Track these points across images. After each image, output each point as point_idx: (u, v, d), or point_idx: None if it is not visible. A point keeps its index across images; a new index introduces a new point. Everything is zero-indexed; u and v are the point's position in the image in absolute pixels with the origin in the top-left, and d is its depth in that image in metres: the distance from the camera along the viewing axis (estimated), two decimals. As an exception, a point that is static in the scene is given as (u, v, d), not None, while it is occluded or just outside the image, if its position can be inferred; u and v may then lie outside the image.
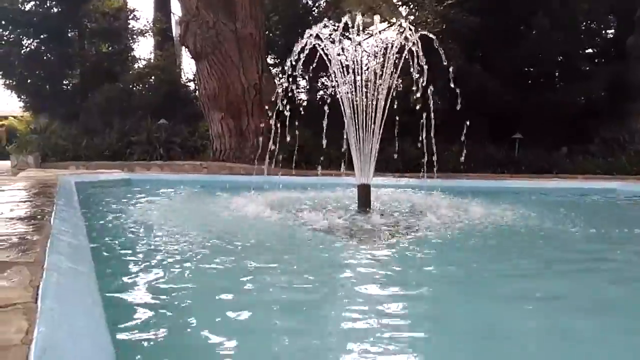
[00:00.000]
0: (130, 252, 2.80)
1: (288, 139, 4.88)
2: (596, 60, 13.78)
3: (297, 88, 14.17)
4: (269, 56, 13.59)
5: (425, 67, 4.32)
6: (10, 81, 14.07)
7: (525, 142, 11.04)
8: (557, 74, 13.37)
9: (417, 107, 4.41)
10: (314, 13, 14.36)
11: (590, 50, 13.94)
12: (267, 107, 8.74)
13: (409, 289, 2.28)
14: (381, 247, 3.05)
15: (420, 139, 4.56)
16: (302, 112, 5.25)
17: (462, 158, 5.44)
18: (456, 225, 3.72)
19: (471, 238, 3.37)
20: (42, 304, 1.20)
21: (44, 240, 1.91)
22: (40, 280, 1.37)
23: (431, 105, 4.36)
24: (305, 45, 4.41)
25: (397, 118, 4.69)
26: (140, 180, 7.27)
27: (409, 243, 3.16)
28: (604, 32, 14.23)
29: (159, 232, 3.34)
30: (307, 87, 15.21)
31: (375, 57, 4.64)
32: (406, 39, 4.42)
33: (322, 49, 4.49)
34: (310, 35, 4.37)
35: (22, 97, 14.64)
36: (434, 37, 4.64)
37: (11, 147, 14.30)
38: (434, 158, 4.70)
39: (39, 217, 2.50)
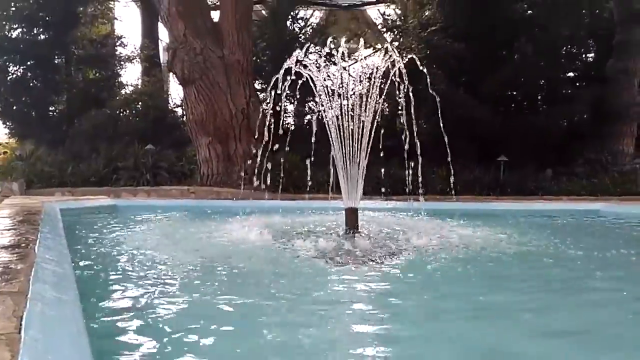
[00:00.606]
0: (116, 279, 2.77)
1: (275, 163, 4.90)
2: (577, 84, 14.08)
3: (285, 112, 14.25)
4: (257, 81, 13.70)
5: (411, 91, 4.38)
6: (-4, 108, 13.99)
7: (511, 165, 11.16)
8: (540, 97, 13.64)
9: (403, 131, 4.47)
10: (300, 39, 14.55)
11: (571, 74, 14.26)
12: (254, 132, 8.77)
13: (393, 312, 2.28)
14: (368, 271, 3.05)
15: (407, 162, 4.60)
16: (290, 136, 5.29)
17: (452, 180, 5.49)
18: (443, 248, 3.74)
19: (459, 261, 3.38)
20: (26, 334, 1.19)
21: (28, 269, 1.89)
22: (23, 310, 1.36)
23: (415, 129, 4.41)
24: (291, 70, 4.46)
25: (383, 142, 4.73)
26: (127, 206, 7.22)
27: (396, 267, 3.17)
28: (584, 55, 14.59)
29: (145, 260, 3.31)
30: (294, 111, 15.33)
31: (361, 82, 4.71)
32: (391, 64, 4.50)
33: (308, 75, 4.55)
34: (295, 61, 4.43)
35: (8, 123, 14.53)
36: (418, 61, 4.72)
37: (-5, 174, 14.16)
38: (420, 181, 4.74)
39: (23, 245, 2.47)
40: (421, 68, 4.70)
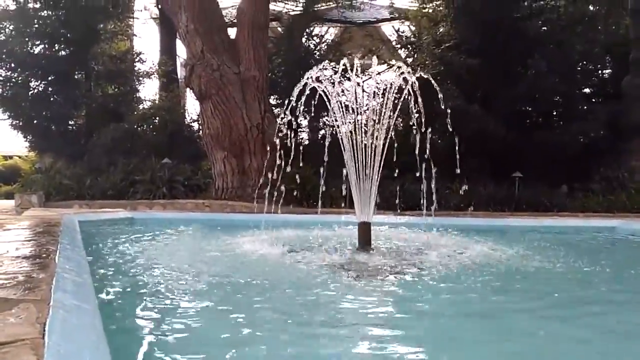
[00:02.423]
0: (132, 289, 2.83)
1: (289, 177, 4.95)
2: (593, 100, 14.01)
3: (299, 127, 14.37)
4: (272, 97, 13.87)
5: (423, 107, 4.42)
6: (17, 122, 14.30)
7: (526, 181, 11.10)
8: (555, 113, 13.58)
9: (417, 146, 4.50)
10: (315, 56, 14.72)
11: (587, 90, 14.20)
12: (269, 147, 8.87)
13: (406, 327, 2.29)
14: (381, 286, 3.06)
15: (421, 177, 4.62)
16: (304, 151, 5.35)
17: (462, 194, 5.49)
18: (457, 263, 3.74)
19: (473, 276, 3.38)
20: (49, 339, 1.23)
21: (49, 278, 1.95)
22: (46, 317, 1.41)
23: (428, 145, 4.44)
24: (305, 86, 4.54)
25: (397, 157, 4.77)
26: (143, 219, 7.32)
27: (409, 282, 3.18)
28: (600, 72, 14.53)
29: (161, 271, 3.37)
30: (309, 126, 15.44)
31: (375, 97, 4.76)
32: (405, 80, 4.55)
33: (323, 91, 4.61)
34: (310, 77, 4.50)
35: (28, 137, 14.84)
36: (431, 78, 4.77)
37: (15, 187, 14.44)
38: (434, 196, 4.75)
39: (43, 255, 2.54)
40: (434, 84, 4.74)
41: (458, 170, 4.56)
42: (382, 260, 3.83)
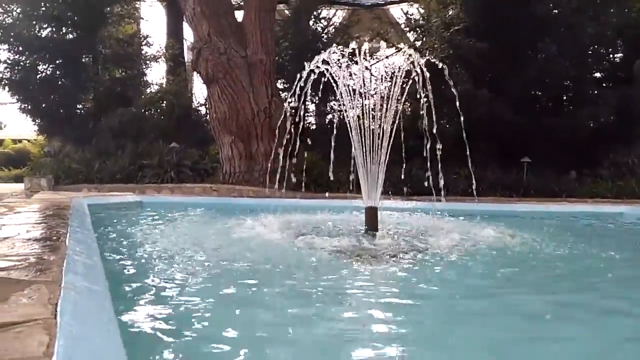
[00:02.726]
0: (141, 271, 2.86)
1: (297, 162, 4.95)
2: (604, 84, 13.84)
3: (306, 112, 14.34)
4: (279, 81, 13.81)
5: (432, 92, 4.39)
6: (26, 105, 14.36)
7: (534, 166, 11.04)
8: (565, 98, 13.44)
9: (425, 131, 4.47)
10: (322, 39, 14.61)
11: (598, 74, 14.02)
12: (276, 131, 8.87)
13: (412, 310, 2.30)
14: (387, 269, 3.08)
15: (428, 162, 4.60)
16: (311, 135, 5.34)
17: (473, 181, 5.47)
18: (464, 248, 3.74)
19: (480, 262, 3.38)
20: (61, 319, 1.26)
21: (60, 260, 1.97)
22: (58, 298, 1.43)
23: (435, 129, 4.42)
24: (313, 70, 4.51)
25: (405, 141, 4.75)
26: (151, 202, 7.37)
27: (415, 265, 3.19)
28: (611, 55, 14.32)
29: (171, 254, 3.40)
30: (316, 111, 15.39)
31: (383, 81, 4.73)
32: (413, 64, 4.51)
33: (330, 74, 4.59)
34: (318, 60, 4.47)
35: (37, 120, 14.90)
36: (440, 63, 4.72)
37: (25, 170, 14.56)
38: (442, 181, 4.73)
39: (54, 238, 2.57)
40: (444, 68, 4.70)
41: (469, 155, 4.54)
42: (388, 244, 3.84)
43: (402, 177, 5.41)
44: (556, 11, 12.62)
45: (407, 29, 15.36)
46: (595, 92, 12.92)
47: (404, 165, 5.29)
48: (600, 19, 12.52)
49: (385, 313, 2.19)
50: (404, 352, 1.74)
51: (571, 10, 12.11)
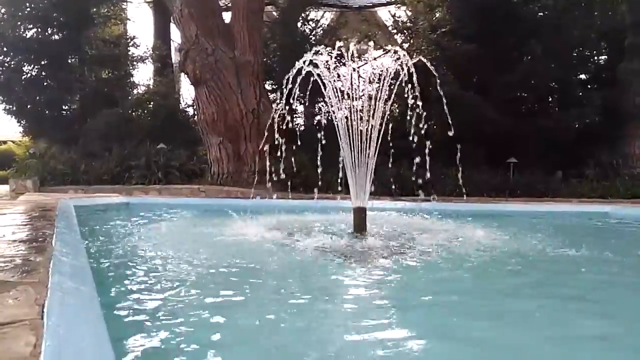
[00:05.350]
0: (129, 272, 2.85)
1: (285, 163, 4.96)
2: (589, 86, 14.02)
3: (295, 113, 14.32)
4: (267, 82, 13.79)
5: (421, 93, 4.42)
6: (11, 106, 14.17)
7: (521, 167, 11.15)
8: (550, 99, 13.59)
9: (412, 132, 4.50)
10: (311, 40, 14.62)
11: (582, 76, 14.20)
12: (264, 132, 8.86)
13: (401, 310, 2.32)
14: (374, 269, 3.10)
15: (416, 163, 4.63)
16: (300, 137, 5.35)
17: (460, 181, 5.51)
18: (450, 248, 3.77)
19: (466, 262, 3.41)
20: (48, 320, 1.25)
21: (46, 261, 1.96)
22: (45, 299, 1.43)
23: (423, 130, 4.45)
24: (301, 71, 4.52)
25: (393, 142, 4.77)
26: (138, 204, 7.33)
27: (402, 266, 3.21)
28: (595, 58, 14.53)
29: (157, 254, 3.38)
30: (305, 112, 15.38)
31: (371, 82, 4.75)
32: (401, 65, 4.54)
33: (318, 76, 4.60)
34: (305, 62, 4.48)
35: (22, 122, 14.71)
36: (427, 63, 4.75)
37: (9, 172, 14.37)
38: (430, 182, 4.77)
39: (40, 239, 2.55)
40: (431, 69, 4.73)
41: (457, 156, 4.57)
42: (375, 244, 3.86)
43: (391, 177, 5.45)
44: (541, 14, 12.76)
45: (395, 31, 15.43)
46: (581, 93, 13.09)
47: (393, 166, 5.32)
48: (585, 22, 12.69)
49: (369, 313, 2.21)
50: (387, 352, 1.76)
51: (557, 12, 12.26)
